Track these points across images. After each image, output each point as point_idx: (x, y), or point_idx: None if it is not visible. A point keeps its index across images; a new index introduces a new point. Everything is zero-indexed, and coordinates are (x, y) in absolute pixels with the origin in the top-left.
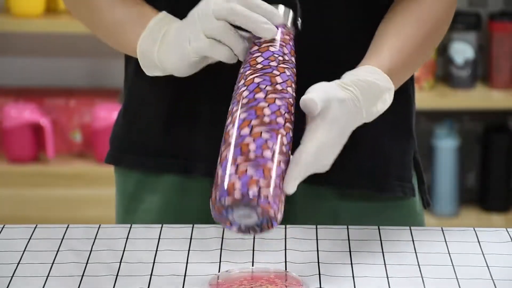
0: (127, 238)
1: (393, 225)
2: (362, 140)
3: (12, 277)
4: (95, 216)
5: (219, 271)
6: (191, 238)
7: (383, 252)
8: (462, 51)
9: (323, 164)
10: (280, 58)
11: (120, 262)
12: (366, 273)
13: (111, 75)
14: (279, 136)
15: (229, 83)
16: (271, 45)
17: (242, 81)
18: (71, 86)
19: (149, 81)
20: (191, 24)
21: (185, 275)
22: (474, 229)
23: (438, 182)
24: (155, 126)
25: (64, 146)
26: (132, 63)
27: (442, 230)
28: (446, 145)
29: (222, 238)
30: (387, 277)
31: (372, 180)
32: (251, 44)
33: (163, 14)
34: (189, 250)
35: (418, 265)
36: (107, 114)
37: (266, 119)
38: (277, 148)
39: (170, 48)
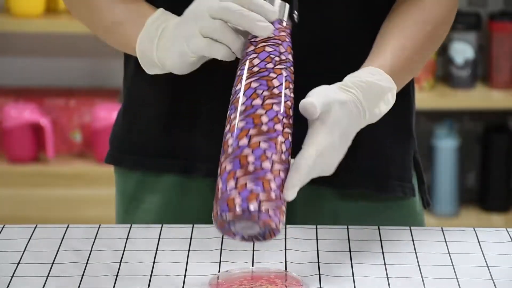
0: (127, 238)
1: (393, 225)
2: (362, 140)
3: (12, 277)
4: (95, 216)
5: (219, 271)
6: (191, 238)
7: (383, 252)
8: (462, 51)
9: (327, 167)
10: (277, 58)
11: (120, 262)
12: (366, 273)
13: (111, 75)
14: (278, 144)
15: (228, 82)
16: (267, 45)
17: (239, 85)
18: (71, 86)
19: (148, 81)
20: (187, 23)
21: (185, 275)
22: (474, 229)
23: (438, 182)
24: (154, 126)
25: (64, 146)
26: (131, 63)
27: (442, 230)
28: (446, 145)
29: (222, 238)
30: (387, 277)
31: (372, 180)
32: (247, 43)
33: (160, 11)
34: (189, 250)
35: (418, 265)
36: (107, 114)
37: (264, 128)
38: (276, 158)
39: (168, 47)
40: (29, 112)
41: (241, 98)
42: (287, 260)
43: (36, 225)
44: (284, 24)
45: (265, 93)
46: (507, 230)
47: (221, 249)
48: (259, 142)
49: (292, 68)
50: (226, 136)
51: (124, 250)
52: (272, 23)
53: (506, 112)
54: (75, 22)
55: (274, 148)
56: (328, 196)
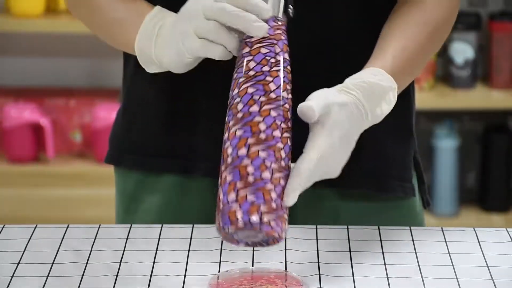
0: (127, 238)
1: (393, 225)
2: (362, 140)
3: (12, 277)
4: (95, 216)
5: (219, 271)
6: (191, 238)
7: (383, 252)
8: (462, 51)
9: (330, 170)
10: (272, 60)
11: (120, 262)
12: (366, 273)
13: (111, 75)
14: (277, 152)
15: (227, 81)
16: (262, 46)
17: (236, 90)
18: (71, 86)
19: (148, 80)
20: (182, 23)
21: (185, 275)
22: (474, 229)
23: (438, 182)
24: (154, 125)
25: (64, 146)
26: (131, 63)
27: (442, 230)
28: (446, 145)
29: None
30: (387, 277)
31: (373, 180)
32: (242, 43)
33: (157, 9)
34: (189, 250)
35: (418, 265)
36: (107, 114)
37: (262, 136)
38: (275, 166)
39: (165, 46)
40: (29, 112)
41: (239, 105)
42: (287, 260)
43: (36, 225)
44: (279, 21)
45: (262, 98)
46: (507, 230)
47: (221, 249)
48: (258, 152)
49: (289, 67)
50: (225, 144)
51: (124, 250)
52: (267, 21)
53: (506, 112)
54: (75, 22)
55: (273, 156)
56: (328, 196)
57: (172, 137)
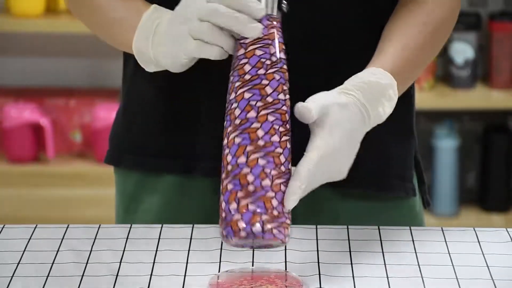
0: (127, 238)
1: (393, 225)
2: (363, 140)
3: (12, 277)
4: (95, 216)
5: (219, 271)
6: (191, 238)
7: (383, 252)
8: (462, 51)
9: (335, 172)
10: (268, 62)
11: (120, 262)
12: (366, 273)
13: (111, 75)
14: (276, 158)
15: (227, 81)
16: (257, 48)
17: (233, 95)
18: (71, 86)
19: (147, 80)
20: (177, 24)
21: (185, 275)
22: (474, 229)
23: (438, 182)
24: (154, 126)
25: (64, 146)
26: (130, 63)
27: (442, 230)
28: (446, 145)
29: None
30: (387, 277)
31: (374, 180)
32: (237, 43)
33: (153, 8)
34: (189, 250)
35: (418, 265)
36: (107, 114)
37: (261, 143)
38: (275, 172)
39: (162, 45)
40: (29, 112)
41: (236, 110)
42: (287, 260)
43: (36, 225)
44: (274, 19)
45: (259, 103)
46: (507, 230)
47: (221, 249)
48: (257, 159)
49: (285, 66)
50: (225, 151)
51: (124, 250)
52: (261, 20)
53: (506, 112)
54: (75, 22)
55: (273, 162)
56: (328, 196)
57: (172, 137)
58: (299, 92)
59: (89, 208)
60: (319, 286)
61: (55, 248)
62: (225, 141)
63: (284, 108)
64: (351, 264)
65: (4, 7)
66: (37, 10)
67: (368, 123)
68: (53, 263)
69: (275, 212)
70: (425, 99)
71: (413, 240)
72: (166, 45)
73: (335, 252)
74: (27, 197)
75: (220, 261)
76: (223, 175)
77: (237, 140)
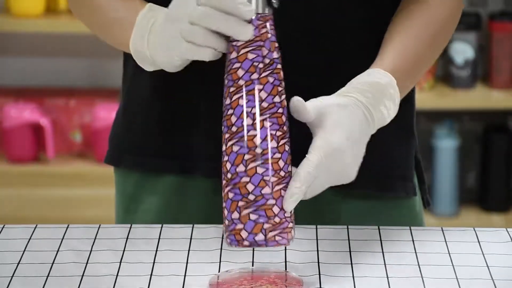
0: (127, 238)
1: (393, 225)
2: None
3: (12, 277)
4: (95, 216)
5: (219, 271)
6: (191, 238)
7: (383, 252)
8: (462, 51)
9: (341, 174)
10: (261, 65)
11: (120, 262)
12: (366, 273)
13: (111, 75)
14: (275, 164)
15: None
16: (249, 51)
17: (228, 100)
18: (71, 86)
19: (147, 80)
20: (169, 26)
21: (185, 275)
22: (474, 229)
23: (438, 182)
24: (154, 126)
25: (64, 146)
26: (130, 63)
27: (442, 230)
28: (446, 145)
29: (222, 238)
30: (387, 277)
31: (375, 180)
32: (229, 45)
33: (148, 7)
34: (189, 250)
35: (418, 265)
36: (107, 114)
37: (258, 150)
38: (274, 179)
39: (157, 45)
40: (29, 112)
41: (232, 117)
42: (287, 260)
43: (36, 225)
44: (265, 17)
45: (254, 110)
46: (507, 230)
47: (221, 249)
48: (256, 168)
49: (279, 66)
50: (224, 158)
51: (124, 250)
52: (251, 21)
53: (506, 112)
54: (75, 22)
55: (272, 169)
56: (329, 196)
57: (171, 137)
58: (299, 92)
59: (89, 208)
60: (319, 286)
61: (55, 248)
62: (224, 147)
63: (280, 110)
64: (351, 264)
65: (4, 7)
66: (37, 10)
67: (372, 125)
68: (53, 263)
69: (277, 219)
70: (425, 99)
71: (413, 240)
72: (161, 45)
73: (335, 252)
74: (27, 197)
75: (220, 261)
76: (224, 182)
77: (235, 148)
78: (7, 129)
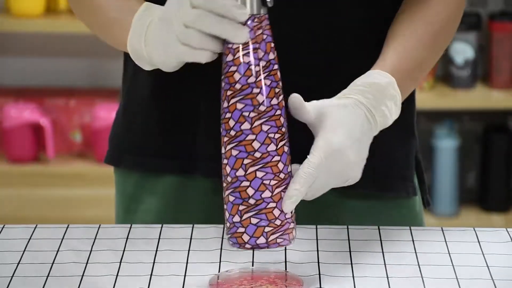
0: (127, 238)
1: (393, 224)
2: None
3: (12, 277)
4: (95, 216)
5: (219, 271)
6: (191, 238)
7: (383, 252)
8: (462, 51)
9: (342, 174)
10: (257, 68)
11: (120, 262)
12: (366, 273)
13: (111, 75)
14: (274, 167)
15: None
16: (245, 54)
17: (226, 103)
18: (71, 86)
19: (148, 80)
20: (165, 28)
21: (185, 275)
22: (474, 229)
23: (438, 182)
24: (154, 126)
25: (64, 146)
26: (130, 63)
27: (442, 230)
28: (446, 145)
29: (222, 238)
30: (387, 277)
31: (376, 180)
32: (225, 47)
33: (144, 6)
34: (189, 250)
35: (418, 265)
36: (107, 114)
37: (257, 154)
38: (274, 182)
39: (153, 46)
40: (29, 112)
41: (230, 121)
42: (287, 260)
43: (36, 225)
44: (259, 18)
45: (252, 114)
46: (507, 230)
47: (221, 249)
48: (255, 172)
49: (275, 66)
50: (223, 161)
51: (124, 250)
52: (246, 23)
53: (506, 112)
54: (75, 22)
55: (271, 172)
56: (329, 196)
57: (171, 137)
58: (299, 92)
59: (89, 208)
60: (319, 286)
61: (55, 248)
62: (223, 150)
63: (278, 112)
64: (351, 264)
65: (4, 7)
66: (37, 10)
67: (375, 126)
68: (53, 263)
69: (278, 222)
70: (425, 99)
71: (413, 240)
72: (157, 47)
73: (335, 252)
74: (27, 197)
75: (220, 261)
76: (224, 184)
77: (234, 152)
78: (7, 129)
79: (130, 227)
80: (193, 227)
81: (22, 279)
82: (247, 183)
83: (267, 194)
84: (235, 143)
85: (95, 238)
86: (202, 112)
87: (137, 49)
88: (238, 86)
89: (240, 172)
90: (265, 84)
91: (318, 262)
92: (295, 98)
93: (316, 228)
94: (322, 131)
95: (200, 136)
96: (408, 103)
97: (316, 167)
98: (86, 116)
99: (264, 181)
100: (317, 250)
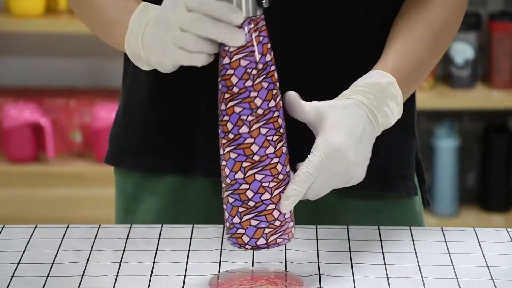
0: (127, 238)
1: (393, 224)
2: None
3: (12, 277)
4: (95, 216)
5: (219, 271)
6: (191, 238)
7: (383, 252)
8: (462, 51)
9: (344, 174)
10: (254, 72)
11: (120, 262)
12: (366, 273)
13: (111, 75)
14: (273, 169)
15: None
16: (241, 57)
17: (223, 106)
18: (71, 86)
19: (148, 81)
20: (160, 31)
21: (185, 275)
22: (474, 229)
23: (438, 182)
24: (154, 126)
25: (64, 146)
26: (131, 63)
27: (442, 230)
28: (446, 145)
29: (222, 238)
30: (387, 277)
31: (376, 180)
32: (221, 50)
33: (142, 6)
34: (189, 250)
35: (418, 265)
36: (107, 114)
37: (256, 157)
38: (273, 184)
39: (150, 48)
40: (29, 112)
41: (228, 124)
42: (287, 260)
43: (36, 225)
44: (255, 20)
45: (250, 117)
46: (507, 230)
47: (221, 249)
48: (254, 175)
49: (272, 67)
50: (222, 162)
51: (124, 250)
52: (242, 25)
53: (506, 112)
54: (75, 22)
55: (270, 175)
56: (329, 196)
57: (171, 138)
58: (299, 92)
59: (89, 208)
60: (319, 286)
61: (55, 248)
62: (222, 152)
63: (276, 114)
64: (351, 264)
65: (4, 7)
66: (37, 10)
67: (377, 127)
68: (53, 263)
69: (277, 223)
70: (425, 99)
71: (413, 240)
72: (154, 48)
73: (335, 252)
74: (27, 197)
75: (220, 261)
76: (223, 185)
77: (233, 155)
78: (7, 129)
79: (130, 227)
80: (193, 227)
81: (22, 279)
82: (246, 186)
83: (266, 196)
84: (233, 146)
85: (95, 238)
86: (202, 112)
87: (134, 49)
88: (235, 89)
89: (239, 175)
90: (262, 87)
91: (318, 262)
92: (291, 95)
93: (316, 228)
94: (322, 131)
95: (200, 136)
96: (409, 103)
97: (315, 167)
98: (86, 116)
99: (263, 184)
100: (317, 250)
